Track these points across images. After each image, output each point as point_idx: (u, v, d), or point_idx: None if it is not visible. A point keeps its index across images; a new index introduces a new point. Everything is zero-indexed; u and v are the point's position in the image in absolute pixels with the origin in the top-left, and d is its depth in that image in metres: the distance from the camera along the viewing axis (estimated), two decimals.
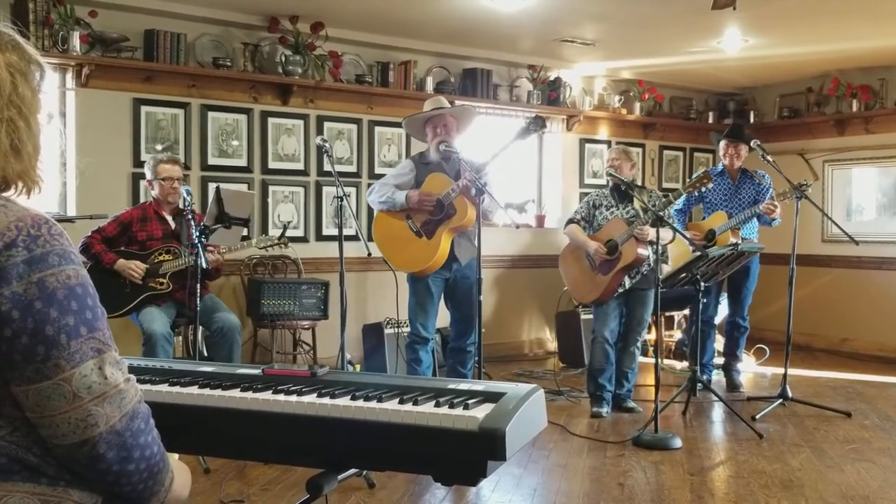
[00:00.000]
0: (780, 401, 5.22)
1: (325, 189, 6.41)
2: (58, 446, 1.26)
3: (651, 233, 4.83)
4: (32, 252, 1.22)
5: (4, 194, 1.32)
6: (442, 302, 4.94)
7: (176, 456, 4.18)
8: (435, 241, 4.66)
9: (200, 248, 3.95)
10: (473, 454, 1.48)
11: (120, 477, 1.30)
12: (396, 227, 4.77)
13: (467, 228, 4.67)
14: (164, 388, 1.76)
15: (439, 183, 4.68)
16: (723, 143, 5.81)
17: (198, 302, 4.04)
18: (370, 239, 5.57)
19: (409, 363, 4.87)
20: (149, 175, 4.74)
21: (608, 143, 7.83)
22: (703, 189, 5.15)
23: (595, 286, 5.16)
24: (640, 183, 5.00)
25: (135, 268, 4.53)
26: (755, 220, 5.69)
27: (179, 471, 1.45)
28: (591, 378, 5.25)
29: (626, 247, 4.97)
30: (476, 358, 4.67)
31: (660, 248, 4.76)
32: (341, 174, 5.90)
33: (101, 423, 1.24)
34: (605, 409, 5.16)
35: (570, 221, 5.30)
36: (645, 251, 4.95)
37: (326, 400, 1.62)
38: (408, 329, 5.72)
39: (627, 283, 5.09)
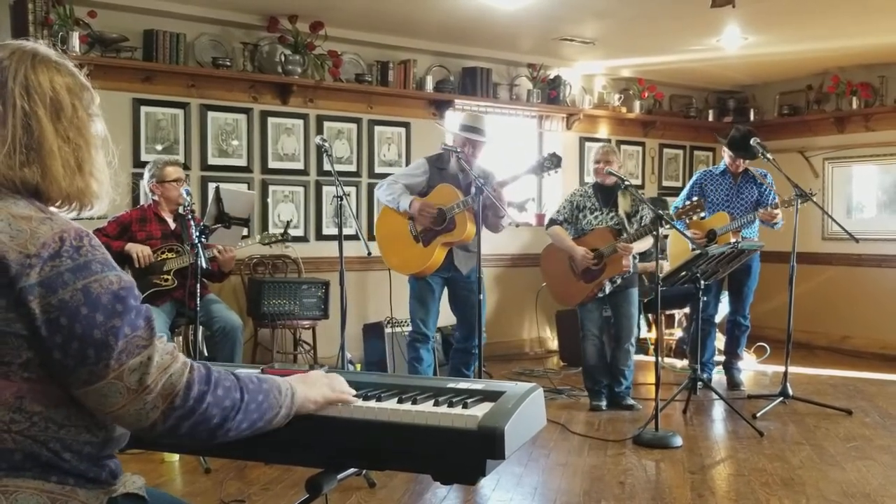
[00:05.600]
0: (781, 399, 5.22)
1: (325, 188, 6.42)
2: (135, 432, 1.37)
3: (634, 248, 4.96)
4: (76, 261, 1.29)
5: (52, 208, 1.40)
6: (444, 302, 4.98)
7: (176, 457, 4.18)
8: (430, 249, 4.73)
9: (200, 248, 3.96)
10: (472, 453, 1.47)
11: (214, 432, 1.37)
12: (398, 228, 4.81)
13: (465, 244, 4.71)
14: None
15: (447, 194, 4.73)
16: (726, 153, 5.78)
17: (198, 302, 4.05)
18: (370, 238, 5.59)
19: (411, 362, 4.90)
20: (153, 179, 4.72)
21: (608, 141, 7.83)
22: (695, 217, 5.12)
23: (576, 292, 5.21)
24: (630, 182, 5.00)
25: (142, 249, 4.54)
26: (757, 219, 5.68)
27: (306, 381, 1.54)
28: (588, 375, 5.32)
29: (611, 260, 5.00)
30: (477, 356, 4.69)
31: (658, 248, 4.77)
32: (341, 174, 5.89)
33: (161, 404, 1.31)
34: (604, 403, 5.24)
35: (553, 222, 5.28)
36: (629, 262, 4.99)
37: None
38: (407, 328, 5.75)
39: (608, 288, 5.12)
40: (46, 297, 1.26)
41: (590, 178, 7.73)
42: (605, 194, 5.19)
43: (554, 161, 4.65)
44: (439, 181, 4.81)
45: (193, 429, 1.35)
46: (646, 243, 5.08)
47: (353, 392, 1.60)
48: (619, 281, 5.11)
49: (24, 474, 1.30)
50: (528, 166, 4.80)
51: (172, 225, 4.76)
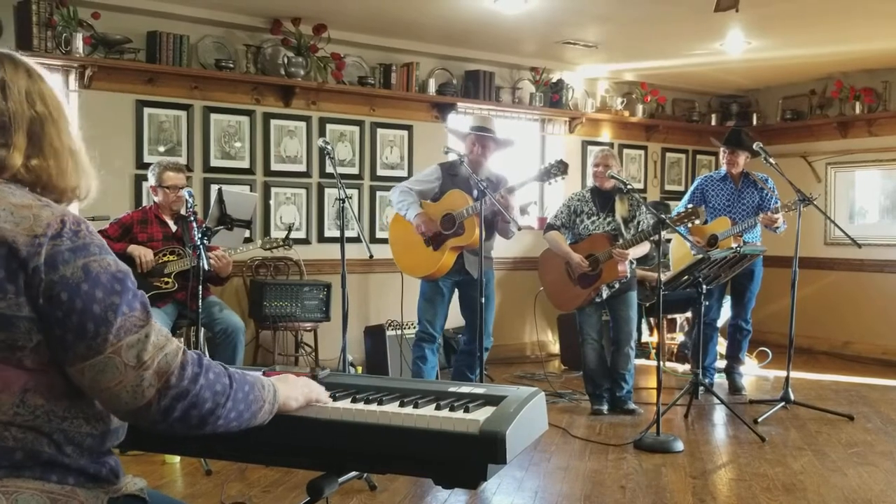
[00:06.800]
0: (783, 404, 5.21)
1: (328, 191, 6.42)
2: (129, 414, 1.36)
3: (629, 254, 4.95)
4: (75, 242, 1.34)
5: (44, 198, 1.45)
6: (454, 305, 5.03)
7: (177, 458, 4.18)
8: (439, 253, 4.82)
9: (202, 250, 3.96)
10: (474, 457, 1.47)
11: (206, 419, 1.39)
12: (410, 231, 4.90)
13: (475, 248, 4.74)
14: None
15: (457, 199, 4.80)
16: (722, 150, 5.81)
17: (199, 303, 4.05)
18: (372, 240, 5.58)
19: (415, 361, 4.98)
20: (153, 181, 4.72)
21: (611, 145, 7.83)
22: (691, 224, 5.11)
23: (573, 297, 5.23)
24: (632, 186, 5.02)
25: (145, 252, 4.55)
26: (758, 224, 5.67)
27: (286, 381, 1.58)
28: (588, 379, 5.32)
29: (608, 265, 5.00)
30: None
31: (660, 252, 4.77)
32: (343, 176, 5.90)
33: (156, 382, 1.34)
34: (605, 407, 5.23)
35: (550, 227, 5.29)
36: (625, 268, 4.98)
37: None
38: (409, 331, 5.77)
39: (605, 293, 5.12)
40: (49, 274, 1.30)
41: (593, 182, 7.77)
42: (603, 199, 5.19)
43: (560, 168, 4.69)
44: (451, 187, 4.88)
45: (186, 412, 1.37)
46: (643, 249, 5.07)
47: (329, 397, 1.64)
48: (616, 285, 5.11)
49: (24, 474, 1.32)
50: (534, 173, 4.85)
51: (174, 227, 4.76)
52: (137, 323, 1.35)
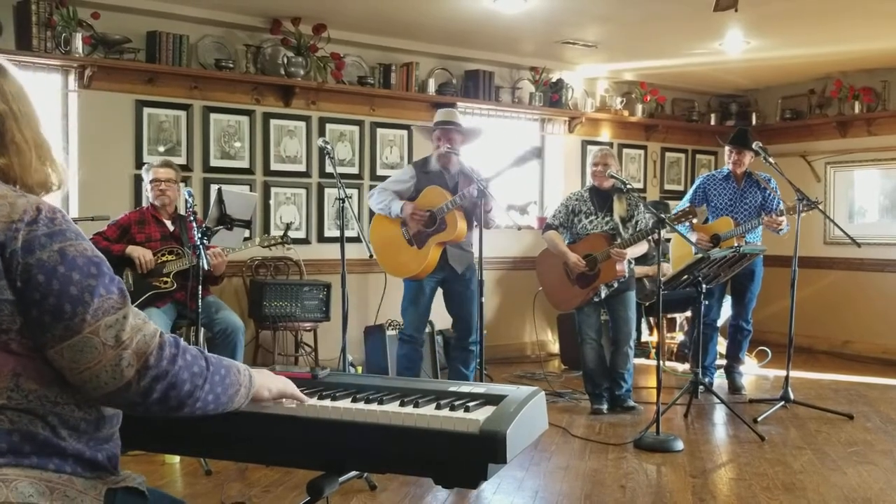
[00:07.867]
0: (782, 403, 5.21)
1: (327, 191, 6.42)
2: (108, 396, 1.37)
3: (628, 253, 4.95)
4: (51, 228, 1.36)
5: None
6: (441, 306, 5.02)
7: (177, 459, 4.18)
8: (424, 251, 4.82)
9: (202, 250, 3.96)
10: (474, 457, 1.48)
11: (184, 401, 1.41)
12: (391, 233, 4.90)
13: (457, 242, 4.75)
14: None
15: (435, 195, 4.80)
16: (727, 149, 5.81)
17: (199, 303, 4.05)
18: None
19: (398, 358, 5.07)
20: (145, 180, 4.84)
21: (610, 144, 7.83)
22: (688, 223, 5.12)
23: (571, 297, 5.24)
24: (632, 186, 5.02)
25: (144, 253, 4.57)
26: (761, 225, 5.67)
27: (262, 373, 1.61)
28: (588, 378, 5.32)
29: (606, 265, 5.01)
30: (478, 358, 4.71)
31: (659, 252, 4.77)
32: (343, 176, 5.90)
33: (135, 362, 1.35)
34: (605, 406, 5.24)
35: (549, 227, 5.29)
36: (623, 268, 4.99)
37: (327, 402, 1.63)
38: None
39: (604, 293, 5.12)
40: (25, 257, 1.32)
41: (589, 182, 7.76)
42: (601, 198, 5.19)
43: (533, 153, 4.71)
44: (426, 184, 4.87)
45: (165, 394, 1.38)
46: (641, 248, 5.08)
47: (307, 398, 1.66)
48: (615, 285, 5.11)
49: (22, 462, 1.34)
50: (508, 161, 4.77)
51: (171, 227, 4.77)
52: (115, 305, 1.36)
